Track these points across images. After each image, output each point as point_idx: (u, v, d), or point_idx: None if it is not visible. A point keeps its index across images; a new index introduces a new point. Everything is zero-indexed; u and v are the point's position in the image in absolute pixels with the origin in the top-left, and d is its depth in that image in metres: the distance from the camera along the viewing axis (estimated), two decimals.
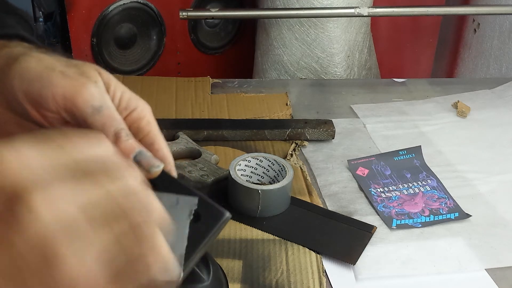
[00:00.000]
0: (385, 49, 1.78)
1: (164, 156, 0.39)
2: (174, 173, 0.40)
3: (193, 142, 0.86)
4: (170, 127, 0.90)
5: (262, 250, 0.66)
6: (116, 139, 0.36)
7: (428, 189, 0.80)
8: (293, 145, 0.90)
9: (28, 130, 0.38)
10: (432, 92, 1.14)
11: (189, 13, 1.22)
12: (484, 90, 1.14)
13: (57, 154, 0.29)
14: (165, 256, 0.30)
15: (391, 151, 0.87)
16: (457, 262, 0.66)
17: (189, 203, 0.35)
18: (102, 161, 0.31)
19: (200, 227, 0.35)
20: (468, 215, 0.74)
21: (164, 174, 0.37)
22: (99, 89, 0.37)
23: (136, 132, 0.39)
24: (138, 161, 0.36)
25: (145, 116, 0.39)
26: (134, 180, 0.31)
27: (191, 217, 0.35)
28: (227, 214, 0.35)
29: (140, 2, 1.56)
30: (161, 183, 0.36)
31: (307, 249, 0.66)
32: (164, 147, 0.40)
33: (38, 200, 0.27)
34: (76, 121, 0.37)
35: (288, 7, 1.31)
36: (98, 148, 0.31)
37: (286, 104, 1.04)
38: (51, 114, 0.37)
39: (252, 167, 0.77)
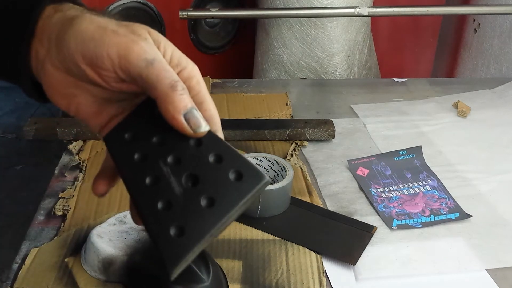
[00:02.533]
0: (385, 49, 1.78)
1: (212, 116, 0.40)
2: (220, 133, 0.40)
3: None
4: None
5: (262, 251, 0.66)
6: (172, 91, 0.36)
7: (429, 189, 0.80)
8: (293, 145, 0.90)
9: (86, 92, 0.40)
10: (432, 92, 1.14)
11: (189, 13, 1.22)
12: (484, 90, 1.14)
13: None
14: None
15: (391, 151, 0.87)
16: (457, 262, 0.66)
17: (233, 162, 0.37)
18: None
19: (241, 186, 0.36)
20: (468, 215, 0.74)
21: (212, 134, 0.39)
22: (150, 45, 0.37)
23: (188, 89, 0.39)
24: (187, 119, 0.36)
25: (195, 76, 0.40)
26: None
27: (234, 175, 0.37)
28: (267, 178, 0.37)
29: (140, 2, 1.56)
30: (208, 142, 0.38)
31: (307, 249, 0.66)
32: (212, 107, 0.40)
33: None
34: (131, 77, 0.37)
35: (288, 7, 1.31)
36: None
37: (286, 104, 1.04)
38: (107, 72, 0.37)
39: None
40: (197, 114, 0.37)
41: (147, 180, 0.37)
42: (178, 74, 0.39)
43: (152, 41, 0.38)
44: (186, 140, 0.38)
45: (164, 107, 0.36)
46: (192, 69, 0.40)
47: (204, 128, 0.37)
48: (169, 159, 0.37)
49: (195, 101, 0.39)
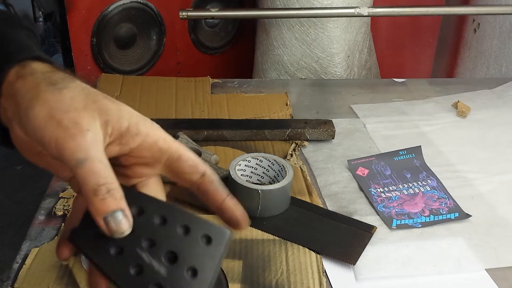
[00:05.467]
0: (385, 49, 1.78)
1: (193, 163, 0.40)
2: (208, 170, 0.41)
3: (193, 142, 0.86)
4: (170, 127, 0.90)
5: (262, 250, 0.66)
6: (93, 195, 0.36)
7: (428, 189, 0.80)
8: (293, 145, 0.90)
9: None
10: (432, 92, 1.14)
11: (189, 13, 1.22)
12: (484, 90, 1.14)
13: None
14: None
15: (391, 151, 0.87)
16: (457, 262, 0.66)
17: (199, 227, 0.39)
18: None
19: (213, 247, 0.39)
20: (468, 215, 0.74)
21: (171, 207, 0.40)
22: (88, 139, 0.37)
23: (159, 153, 0.40)
24: (106, 222, 0.36)
25: (160, 137, 0.40)
26: None
27: (204, 239, 0.39)
28: (229, 232, 0.39)
29: (140, 2, 1.56)
30: (171, 216, 0.39)
31: (307, 249, 0.66)
32: (190, 155, 0.41)
33: None
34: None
35: (288, 7, 1.31)
36: None
37: (286, 104, 1.04)
38: (54, 158, 0.38)
39: (252, 167, 0.77)
40: (117, 218, 0.36)
41: (132, 271, 0.37)
42: (141, 143, 0.39)
43: (97, 130, 0.37)
44: (151, 221, 0.39)
45: (88, 207, 0.37)
46: (154, 132, 0.40)
47: (122, 233, 0.36)
48: (143, 244, 0.38)
49: (171, 159, 0.40)
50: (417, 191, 0.80)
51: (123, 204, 0.37)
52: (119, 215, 0.36)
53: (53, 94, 0.38)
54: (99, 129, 0.38)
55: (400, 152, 0.87)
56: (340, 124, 0.97)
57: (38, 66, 0.41)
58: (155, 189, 0.43)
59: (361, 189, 0.80)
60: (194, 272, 0.38)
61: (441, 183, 0.81)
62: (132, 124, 0.39)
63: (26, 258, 0.63)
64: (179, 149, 0.40)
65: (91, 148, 0.37)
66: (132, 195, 0.39)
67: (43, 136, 0.37)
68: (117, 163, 0.40)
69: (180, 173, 0.41)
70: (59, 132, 0.36)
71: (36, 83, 0.39)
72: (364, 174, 0.83)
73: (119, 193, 0.37)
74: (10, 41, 0.44)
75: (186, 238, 0.39)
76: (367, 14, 1.22)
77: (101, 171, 0.36)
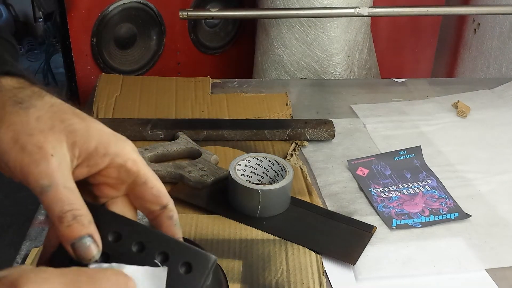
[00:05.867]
0: (385, 49, 1.78)
1: (159, 191, 0.39)
2: (171, 204, 0.40)
3: (193, 142, 0.86)
4: (170, 127, 0.90)
5: (262, 250, 0.66)
6: (59, 222, 0.35)
7: (428, 189, 0.80)
8: (293, 145, 0.90)
9: None
10: (432, 92, 1.14)
11: (189, 13, 1.22)
12: (484, 90, 1.14)
13: None
14: None
15: (391, 151, 0.87)
16: (457, 262, 0.66)
17: (178, 254, 0.37)
18: None
19: (194, 276, 0.37)
20: (468, 215, 0.74)
21: (149, 231, 0.38)
22: (52, 164, 0.36)
23: (126, 174, 0.39)
24: (74, 249, 0.35)
25: (129, 157, 0.39)
26: None
27: (184, 268, 0.37)
28: (213, 257, 0.37)
29: (140, 2, 1.56)
30: (149, 242, 0.37)
31: (307, 249, 0.66)
32: (157, 183, 0.40)
33: None
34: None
35: (288, 7, 1.31)
36: None
37: (286, 104, 1.04)
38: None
39: (252, 167, 0.77)
40: (86, 243, 0.35)
41: None
42: (109, 163, 0.38)
43: (63, 153, 0.37)
44: (128, 247, 0.37)
45: (57, 233, 0.36)
46: (125, 153, 0.39)
47: (90, 260, 0.36)
48: None
49: (136, 182, 0.39)
50: (417, 191, 0.80)
51: (92, 229, 0.36)
52: (87, 241, 0.35)
53: (19, 115, 0.37)
54: (65, 152, 0.37)
55: (400, 152, 0.87)
56: (340, 124, 0.97)
57: (7, 82, 0.40)
58: (123, 209, 0.41)
59: (361, 189, 0.80)
60: None
61: (441, 183, 0.81)
62: (101, 144, 0.38)
63: (26, 258, 0.63)
64: (148, 174, 0.39)
65: (56, 174, 0.36)
66: (108, 217, 0.38)
67: (8, 160, 0.36)
68: (86, 182, 0.40)
69: (142, 199, 0.40)
70: (23, 157, 0.36)
71: (2, 102, 0.38)
72: (364, 174, 0.83)
73: (86, 218, 0.36)
74: None
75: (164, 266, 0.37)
76: (367, 14, 1.22)
77: (66, 198, 0.36)
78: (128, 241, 0.37)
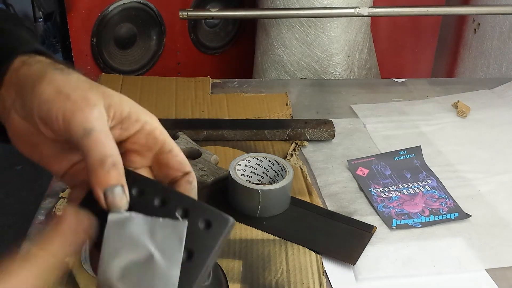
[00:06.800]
0: (385, 49, 1.78)
1: (182, 160, 0.41)
2: (192, 174, 0.41)
3: (193, 142, 0.86)
4: (170, 127, 0.90)
5: (262, 250, 0.66)
6: (99, 165, 0.36)
7: (428, 189, 0.80)
8: (293, 145, 0.90)
9: (48, 142, 0.41)
10: (432, 92, 1.14)
11: (189, 13, 1.22)
12: (484, 90, 1.14)
13: None
14: None
15: (391, 151, 0.87)
16: (457, 262, 0.66)
17: (199, 212, 0.38)
18: None
19: (212, 233, 0.38)
20: (468, 215, 0.74)
21: (172, 191, 0.40)
22: (95, 113, 0.37)
23: (154, 142, 0.41)
24: (106, 196, 0.36)
25: (157, 127, 0.41)
26: None
27: (203, 224, 0.38)
28: (232, 220, 0.38)
29: (140, 2, 1.56)
30: (172, 199, 0.39)
31: (307, 249, 0.66)
32: (180, 153, 0.41)
33: None
34: (73, 143, 0.38)
35: (288, 7, 1.31)
36: None
37: (286, 104, 1.04)
38: (59, 133, 0.38)
39: (252, 167, 0.77)
40: (118, 193, 0.37)
41: None
42: (140, 129, 0.40)
43: (104, 108, 0.38)
44: (151, 202, 0.39)
45: (89, 177, 0.37)
46: (154, 122, 0.41)
47: (118, 209, 0.37)
48: None
49: (164, 149, 0.41)
50: (417, 191, 0.80)
51: (124, 181, 0.37)
52: (119, 190, 0.37)
53: (61, 75, 0.39)
54: (103, 109, 0.38)
55: (400, 152, 0.87)
56: (340, 124, 0.97)
57: (42, 58, 0.42)
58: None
59: (361, 189, 0.80)
60: (190, 255, 0.37)
61: (441, 183, 0.81)
62: (133, 111, 0.40)
63: None
64: (172, 143, 0.41)
65: (99, 121, 0.37)
66: (133, 176, 0.39)
67: (50, 109, 0.37)
68: None
69: (167, 166, 0.41)
70: (67, 105, 0.37)
71: (42, 67, 0.40)
72: (364, 174, 0.83)
73: (122, 169, 0.37)
74: (15, 36, 0.45)
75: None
76: (367, 14, 1.22)
77: (108, 143, 0.37)
78: (150, 197, 0.39)
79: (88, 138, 0.36)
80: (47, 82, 0.38)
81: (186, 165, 0.41)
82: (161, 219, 0.37)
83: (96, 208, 0.38)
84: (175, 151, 0.41)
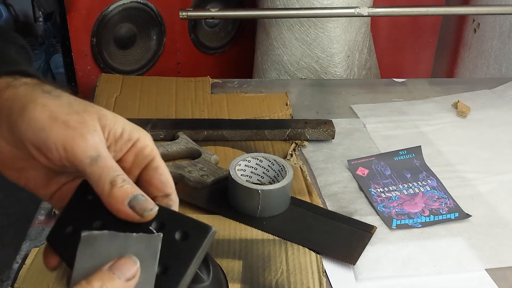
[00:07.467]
0: (385, 49, 1.78)
1: (167, 180, 0.41)
2: (175, 196, 0.41)
3: (193, 142, 0.86)
4: (170, 127, 0.90)
5: (262, 250, 0.66)
6: (112, 187, 0.37)
7: (428, 189, 0.80)
8: (293, 145, 0.90)
9: (35, 166, 0.40)
10: (432, 92, 1.14)
11: (189, 13, 1.22)
12: (484, 90, 1.14)
13: None
14: None
15: (391, 151, 0.87)
16: (457, 262, 0.66)
17: (176, 223, 0.38)
18: None
19: (190, 244, 0.37)
20: (468, 215, 0.74)
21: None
22: (96, 138, 0.38)
23: (142, 159, 0.41)
24: (132, 206, 0.37)
25: (148, 144, 0.41)
26: None
27: (179, 235, 0.38)
28: (213, 229, 0.38)
29: (140, 2, 1.56)
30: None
31: (307, 249, 0.66)
32: (166, 172, 0.42)
33: None
34: (77, 170, 0.38)
35: (288, 7, 1.31)
36: None
37: (286, 104, 1.04)
38: (55, 161, 0.38)
39: (252, 167, 0.77)
40: (142, 198, 0.38)
41: None
42: (131, 147, 0.40)
43: (101, 130, 0.39)
44: None
45: (107, 202, 0.37)
46: (144, 139, 0.41)
47: (151, 210, 0.37)
48: None
49: (150, 166, 0.41)
50: (417, 191, 0.80)
51: (139, 189, 0.38)
52: (141, 196, 0.37)
53: (51, 99, 0.39)
54: (101, 132, 0.39)
55: (400, 152, 0.87)
56: (340, 124, 0.97)
57: (27, 80, 0.41)
58: None
59: (361, 189, 0.80)
60: (165, 268, 0.37)
61: (441, 183, 0.81)
62: (126, 130, 0.40)
63: (26, 258, 0.63)
64: (160, 161, 0.41)
65: (101, 146, 0.38)
66: None
67: (48, 138, 0.37)
68: None
69: (149, 183, 0.41)
70: (67, 133, 0.37)
71: (30, 91, 0.39)
72: (364, 174, 0.83)
73: (132, 182, 0.38)
74: (2, 55, 0.45)
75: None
76: (367, 14, 1.22)
77: (114, 165, 0.38)
78: None
79: (96, 166, 0.37)
80: (39, 109, 0.38)
81: (169, 186, 0.41)
82: (134, 234, 0.37)
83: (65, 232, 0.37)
84: (161, 170, 0.41)
